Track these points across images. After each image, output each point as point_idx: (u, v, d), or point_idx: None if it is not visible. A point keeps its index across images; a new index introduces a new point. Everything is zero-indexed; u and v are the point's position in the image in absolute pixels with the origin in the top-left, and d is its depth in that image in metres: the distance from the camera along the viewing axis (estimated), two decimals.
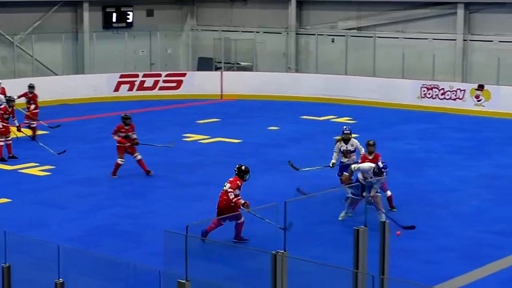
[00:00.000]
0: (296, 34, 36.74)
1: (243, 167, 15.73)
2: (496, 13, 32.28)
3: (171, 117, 30.06)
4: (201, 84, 34.82)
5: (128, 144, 20.36)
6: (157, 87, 34.72)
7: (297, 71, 36.45)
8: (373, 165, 16.54)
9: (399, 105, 30.73)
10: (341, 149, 18.59)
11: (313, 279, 10.96)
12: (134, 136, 20.48)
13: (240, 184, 15.40)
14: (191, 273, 7.74)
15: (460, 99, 31.40)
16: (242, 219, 15.15)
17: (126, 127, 20.51)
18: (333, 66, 34.91)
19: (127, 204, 18.48)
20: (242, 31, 37.25)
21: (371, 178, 16.27)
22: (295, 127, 28.15)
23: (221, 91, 34.71)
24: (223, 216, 14.89)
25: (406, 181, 20.28)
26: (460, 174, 21.33)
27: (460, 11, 32.75)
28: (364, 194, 16.21)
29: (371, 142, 17.47)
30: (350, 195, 16.56)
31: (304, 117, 30.05)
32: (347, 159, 18.53)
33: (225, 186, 15.39)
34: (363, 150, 18.30)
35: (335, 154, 18.69)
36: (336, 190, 17.58)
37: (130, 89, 34.33)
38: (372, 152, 17.40)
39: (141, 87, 34.48)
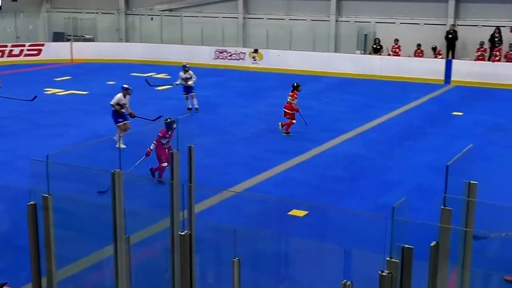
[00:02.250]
0: (125, 14, 36.20)
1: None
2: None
3: (35, 76, 28.74)
4: (56, 51, 33.45)
5: None
6: (23, 54, 33.05)
7: (127, 41, 35.84)
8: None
9: (200, 64, 30.70)
10: (183, 77, 21.45)
11: (143, 189, 10.84)
12: None
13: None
14: (53, 189, 7.46)
15: (242, 59, 31.76)
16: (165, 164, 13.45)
17: None
18: (153, 37, 34.50)
19: (2, 141, 17.62)
20: (86, 12, 36.06)
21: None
22: (127, 81, 27.42)
23: (71, 57, 33.50)
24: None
25: (205, 117, 20.37)
26: (243, 111, 21.66)
27: None
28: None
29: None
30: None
31: (133, 74, 29.51)
32: (186, 83, 21.49)
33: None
34: (195, 77, 21.56)
35: (179, 80, 21.56)
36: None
37: (1, 56, 32.53)
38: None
39: (10, 54, 32.71)
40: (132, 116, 17.08)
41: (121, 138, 15.84)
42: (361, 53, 30.38)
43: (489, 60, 27.35)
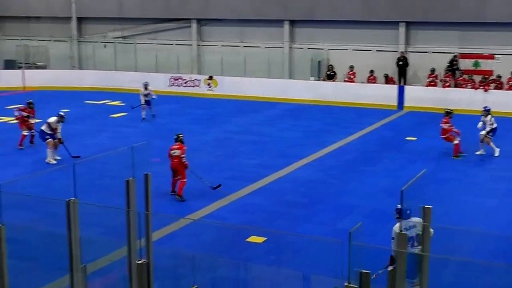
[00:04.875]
0: (78, 41, 36.01)
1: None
2: (219, 26, 32.98)
3: None
4: (7, 79, 32.97)
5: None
6: None
7: (80, 68, 35.60)
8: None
9: (155, 91, 30.53)
10: (144, 93, 24.50)
11: (99, 218, 10.71)
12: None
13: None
14: (6, 219, 7.34)
15: (197, 86, 31.81)
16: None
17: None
18: (107, 64, 34.28)
19: None
20: (38, 40, 35.77)
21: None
22: (81, 109, 27.36)
23: (24, 84, 33.04)
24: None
25: (162, 145, 20.25)
26: (200, 138, 21.63)
27: (194, 25, 33.27)
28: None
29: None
30: None
31: (87, 101, 29.28)
32: (146, 97, 24.60)
33: (175, 152, 14.89)
34: (154, 95, 24.81)
35: (141, 97, 24.57)
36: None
37: None
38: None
39: None
40: (60, 142, 18.09)
41: (52, 153, 17.70)
42: (315, 80, 30.74)
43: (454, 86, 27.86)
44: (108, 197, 13.97)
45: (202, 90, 31.54)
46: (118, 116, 25.35)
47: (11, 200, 7.45)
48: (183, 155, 14.90)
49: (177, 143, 15.19)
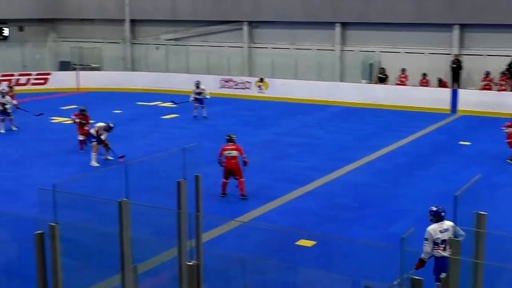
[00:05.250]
0: (131, 43, 36.45)
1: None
2: (270, 29, 32.99)
3: (41, 105, 28.82)
4: (62, 80, 33.66)
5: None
6: (29, 83, 33.36)
7: (133, 70, 36.02)
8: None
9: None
10: (195, 91, 24.81)
11: (150, 218, 10.83)
12: None
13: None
14: (60, 218, 7.48)
15: (248, 88, 31.88)
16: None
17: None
18: (158, 66, 34.68)
19: (8, 169, 17.68)
20: (92, 42, 36.42)
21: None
22: (133, 110, 27.74)
23: (78, 85, 33.70)
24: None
25: (213, 146, 20.36)
26: (248, 140, 21.63)
27: (245, 27, 33.31)
28: None
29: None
30: None
31: (139, 103, 29.68)
32: (198, 96, 24.87)
33: (231, 152, 14.85)
34: (207, 92, 25.03)
35: (193, 95, 24.97)
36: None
37: (9, 85, 32.76)
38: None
39: (17, 83, 32.82)
40: (106, 147, 18.59)
41: (95, 156, 18.29)
42: (366, 82, 30.48)
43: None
44: (159, 197, 14.15)
45: (253, 92, 31.60)
46: (170, 118, 25.60)
47: (65, 199, 7.58)
48: (244, 155, 14.94)
49: (229, 143, 15.21)
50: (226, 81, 32.26)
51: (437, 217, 9.18)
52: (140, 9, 35.62)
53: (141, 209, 8.18)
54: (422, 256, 9.07)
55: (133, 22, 36.38)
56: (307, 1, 31.64)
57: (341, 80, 31.26)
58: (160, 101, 29.78)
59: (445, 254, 8.71)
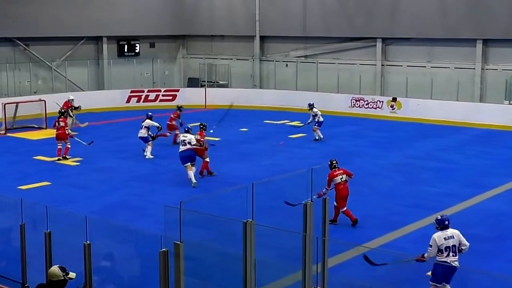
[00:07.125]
0: (260, 60, 36.99)
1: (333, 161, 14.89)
2: (405, 46, 32.53)
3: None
4: (190, 97, 34.74)
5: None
6: (158, 100, 34.77)
7: (260, 87, 36.62)
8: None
9: (335, 112, 30.84)
10: (313, 114, 25.08)
11: (274, 240, 10.94)
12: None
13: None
14: (184, 236, 7.70)
15: (379, 108, 31.55)
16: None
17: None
18: (287, 84, 35.06)
19: (135, 186, 18.43)
20: (221, 58, 37.42)
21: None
22: (260, 129, 28.18)
23: (205, 102, 34.71)
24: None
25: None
26: (378, 162, 21.44)
27: (379, 44, 32.99)
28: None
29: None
30: None
31: (266, 121, 30.10)
32: (314, 119, 25.10)
33: (342, 177, 14.69)
34: (319, 113, 24.96)
35: (311, 118, 25.23)
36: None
37: (138, 101, 34.42)
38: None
39: (146, 99, 34.51)
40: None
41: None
42: (510, 103, 29.31)
43: None
44: (281, 219, 14.28)
45: (385, 112, 31.23)
46: (295, 137, 25.75)
47: (189, 217, 7.81)
48: (351, 177, 14.90)
49: (335, 168, 14.91)
50: (357, 100, 32.09)
51: (442, 225, 10.10)
52: (271, 25, 36.13)
53: (265, 230, 8.27)
54: (425, 256, 10.19)
55: (263, 38, 36.93)
56: (446, 17, 30.94)
57: (481, 101, 30.26)
58: (287, 119, 30.06)
59: (448, 260, 9.90)
